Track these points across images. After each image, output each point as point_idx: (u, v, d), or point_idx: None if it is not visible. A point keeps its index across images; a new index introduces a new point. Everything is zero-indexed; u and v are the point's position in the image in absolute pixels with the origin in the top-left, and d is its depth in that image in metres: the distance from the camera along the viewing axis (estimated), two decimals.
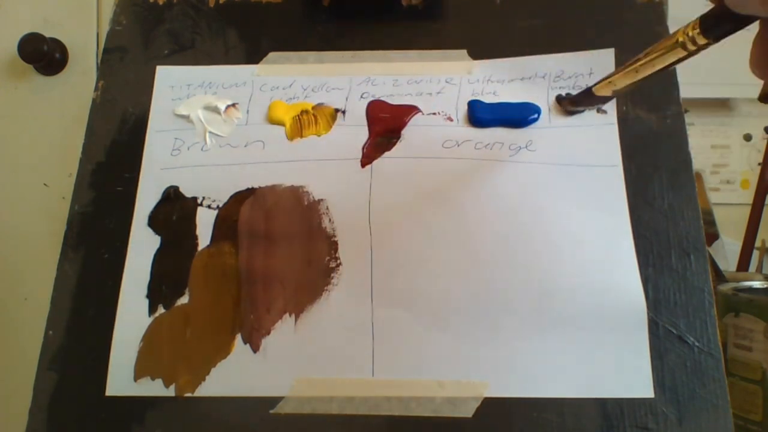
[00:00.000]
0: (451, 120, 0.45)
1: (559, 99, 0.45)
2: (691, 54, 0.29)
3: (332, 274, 0.42)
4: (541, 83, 0.46)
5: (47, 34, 0.54)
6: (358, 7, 0.50)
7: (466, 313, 0.40)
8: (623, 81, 0.36)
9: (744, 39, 0.28)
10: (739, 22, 0.26)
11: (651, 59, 0.32)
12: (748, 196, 0.76)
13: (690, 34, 0.28)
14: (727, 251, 0.74)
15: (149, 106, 0.48)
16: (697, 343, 0.38)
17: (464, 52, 0.47)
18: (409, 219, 0.42)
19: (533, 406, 0.38)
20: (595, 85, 0.39)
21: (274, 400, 0.39)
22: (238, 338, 0.41)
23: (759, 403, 0.45)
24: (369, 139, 0.45)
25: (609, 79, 0.37)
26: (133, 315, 0.42)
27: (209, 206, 0.44)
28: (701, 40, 0.28)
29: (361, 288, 0.41)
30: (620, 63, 0.45)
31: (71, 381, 0.41)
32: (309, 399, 0.39)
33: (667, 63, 0.31)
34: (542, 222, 0.41)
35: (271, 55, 0.49)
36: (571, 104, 0.43)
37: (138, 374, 0.40)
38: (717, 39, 0.27)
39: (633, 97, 0.44)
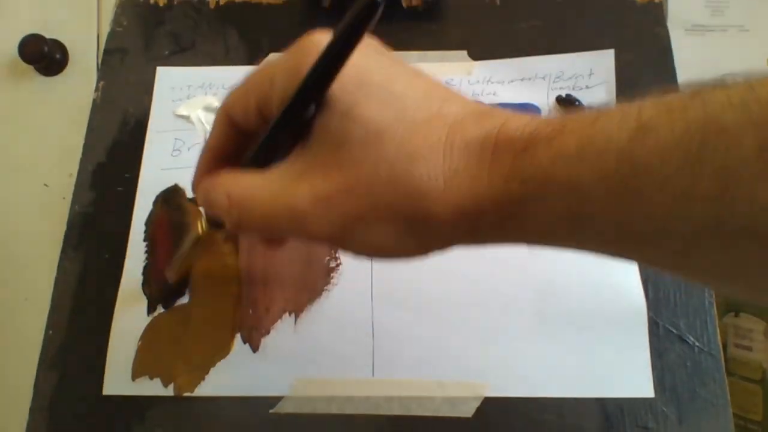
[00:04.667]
0: None
1: (559, 100, 0.45)
2: (212, 240, 0.36)
3: (332, 274, 0.42)
4: (541, 84, 0.46)
5: (48, 35, 0.55)
6: None
7: (466, 313, 0.40)
8: (175, 271, 0.40)
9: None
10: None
11: (185, 252, 0.38)
12: None
13: (202, 226, 0.34)
14: None
15: (149, 107, 0.48)
16: (697, 343, 0.38)
17: (464, 53, 0.48)
18: None
19: (533, 406, 0.38)
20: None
21: (273, 400, 0.39)
22: (238, 338, 0.41)
23: (759, 402, 0.45)
24: None
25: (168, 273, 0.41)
26: (132, 314, 0.42)
27: None
28: (211, 231, 0.34)
29: (361, 288, 0.41)
30: (620, 63, 0.45)
31: (71, 380, 0.41)
32: (309, 399, 0.39)
33: (199, 248, 0.37)
34: None
35: (272, 56, 0.49)
36: None
37: (136, 374, 0.40)
38: (219, 227, 0.32)
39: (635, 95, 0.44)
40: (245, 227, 0.27)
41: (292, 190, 0.25)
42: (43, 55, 0.54)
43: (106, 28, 0.53)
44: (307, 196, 0.24)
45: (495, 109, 0.24)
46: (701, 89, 0.19)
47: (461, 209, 0.23)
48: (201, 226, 0.34)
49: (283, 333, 0.40)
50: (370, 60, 0.24)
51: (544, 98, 0.45)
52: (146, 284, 0.43)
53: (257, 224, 0.26)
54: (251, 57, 0.49)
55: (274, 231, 0.27)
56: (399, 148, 0.23)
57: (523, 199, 0.22)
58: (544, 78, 0.46)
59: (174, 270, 0.40)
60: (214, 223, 0.33)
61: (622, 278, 0.40)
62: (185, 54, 0.50)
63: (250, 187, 0.26)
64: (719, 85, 0.19)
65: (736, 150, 0.17)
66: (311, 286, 0.41)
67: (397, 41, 0.49)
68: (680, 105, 0.19)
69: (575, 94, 0.45)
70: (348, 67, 0.23)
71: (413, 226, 0.24)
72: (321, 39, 0.24)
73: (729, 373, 0.39)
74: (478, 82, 0.46)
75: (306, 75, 0.23)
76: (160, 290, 0.42)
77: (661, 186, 0.18)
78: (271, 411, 0.39)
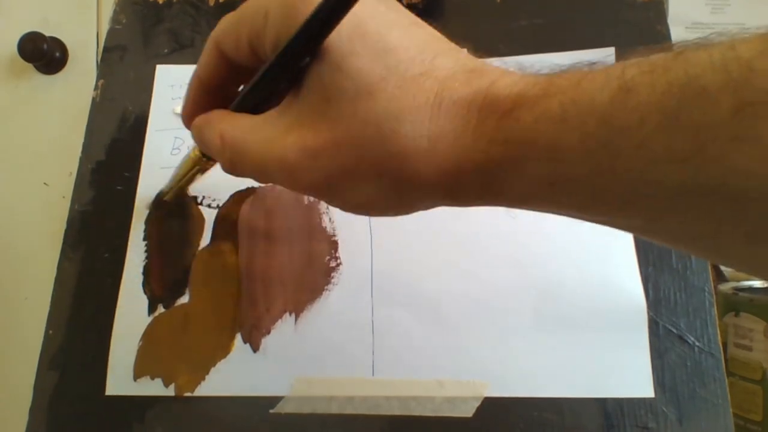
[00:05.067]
0: None
1: None
2: (205, 167, 0.37)
3: (332, 274, 0.42)
4: None
5: (47, 33, 0.54)
6: None
7: (466, 312, 0.40)
8: (171, 191, 0.42)
9: None
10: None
11: (182, 174, 0.39)
12: None
13: (198, 154, 0.35)
14: None
15: (149, 105, 0.48)
16: (697, 343, 0.38)
17: (464, 51, 0.47)
18: (409, 219, 0.42)
19: (533, 405, 0.38)
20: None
21: (274, 400, 0.39)
22: (238, 337, 0.41)
23: (759, 402, 0.45)
24: None
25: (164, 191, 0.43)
26: (132, 314, 0.42)
27: (209, 205, 0.44)
28: (206, 160, 0.35)
29: (361, 287, 0.41)
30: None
31: (71, 380, 0.41)
32: (309, 398, 0.39)
33: (194, 173, 0.38)
34: (542, 221, 0.41)
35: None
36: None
37: (138, 374, 0.40)
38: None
39: None
40: (237, 170, 0.28)
41: (282, 140, 0.25)
42: (43, 54, 0.54)
43: (105, 26, 0.52)
44: (295, 148, 0.24)
45: (487, 67, 0.24)
46: (685, 49, 0.19)
47: (443, 171, 0.23)
48: (196, 153, 0.34)
49: (283, 333, 0.40)
50: (367, 7, 0.23)
51: None
52: (146, 284, 0.43)
53: (248, 169, 0.27)
54: None
55: (264, 178, 0.27)
56: (387, 106, 0.23)
57: (505, 161, 0.22)
58: None
59: (170, 191, 0.41)
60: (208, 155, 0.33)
61: (622, 278, 0.39)
62: (184, 52, 0.50)
63: (243, 131, 0.27)
64: (703, 44, 0.19)
65: (712, 111, 0.17)
66: (311, 285, 0.41)
67: None
68: (662, 65, 0.19)
69: None
70: None
71: (397, 185, 0.24)
72: None
73: (729, 373, 0.39)
74: None
75: (301, 26, 0.22)
76: (161, 286, 0.42)
77: (637, 147, 0.18)
78: (271, 411, 0.39)
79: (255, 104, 0.27)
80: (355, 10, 0.22)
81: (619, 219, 0.22)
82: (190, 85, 0.30)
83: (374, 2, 0.24)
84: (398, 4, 0.25)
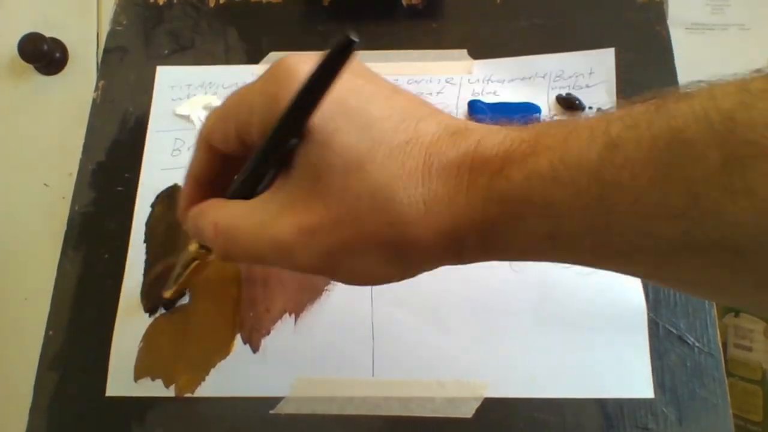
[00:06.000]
0: None
1: (560, 99, 0.45)
2: (205, 260, 0.36)
3: None
4: (542, 83, 0.46)
5: (47, 34, 0.54)
6: (358, 7, 0.50)
7: (466, 313, 0.40)
8: (172, 289, 0.40)
9: None
10: None
11: (181, 269, 0.37)
12: None
13: (195, 247, 0.34)
14: None
15: (149, 106, 0.48)
16: (697, 343, 0.38)
17: (464, 51, 0.47)
18: None
19: (533, 406, 0.38)
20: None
21: (273, 401, 0.39)
22: (238, 338, 0.41)
23: (759, 403, 0.45)
24: None
25: (164, 290, 0.41)
26: (133, 315, 0.42)
27: None
28: (203, 252, 0.34)
29: (361, 288, 0.41)
30: (620, 62, 0.45)
31: (71, 381, 0.41)
32: (309, 399, 0.39)
33: (193, 268, 0.37)
34: None
35: (272, 55, 0.49)
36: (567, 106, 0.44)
37: (138, 374, 0.40)
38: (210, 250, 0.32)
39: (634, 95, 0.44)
40: (232, 257, 0.28)
41: (276, 222, 0.25)
42: (43, 54, 0.54)
43: (105, 27, 0.52)
44: (290, 229, 0.24)
45: (470, 126, 0.25)
46: (666, 100, 0.19)
47: (443, 232, 0.23)
48: (194, 246, 0.34)
49: (283, 333, 0.40)
50: (346, 84, 0.23)
51: (544, 97, 0.45)
52: (144, 288, 0.42)
53: (243, 254, 0.27)
54: (251, 56, 0.49)
55: (260, 261, 0.27)
56: (379, 177, 0.23)
57: (501, 220, 0.22)
58: (544, 77, 0.46)
59: (169, 289, 0.40)
60: (205, 247, 0.33)
61: (622, 279, 0.39)
62: (185, 53, 0.50)
63: (235, 217, 0.27)
64: (684, 95, 0.19)
65: (701, 164, 0.17)
66: (311, 286, 0.41)
67: (397, 40, 0.49)
68: (646, 119, 0.19)
69: (575, 93, 0.45)
70: None
71: (398, 253, 0.24)
72: (296, 66, 0.24)
73: (729, 374, 0.39)
74: (478, 80, 0.46)
75: (285, 109, 0.23)
76: (157, 300, 0.42)
77: (632, 203, 0.19)
78: (271, 411, 0.39)
79: (249, 190, 0.27)
80: (335, 88, 0.22)
81: (623, 268, 0.22)
82: (185, 182, 0.30)
83: (352, 78, 0.24)
84: (375, 76, 0.26)
